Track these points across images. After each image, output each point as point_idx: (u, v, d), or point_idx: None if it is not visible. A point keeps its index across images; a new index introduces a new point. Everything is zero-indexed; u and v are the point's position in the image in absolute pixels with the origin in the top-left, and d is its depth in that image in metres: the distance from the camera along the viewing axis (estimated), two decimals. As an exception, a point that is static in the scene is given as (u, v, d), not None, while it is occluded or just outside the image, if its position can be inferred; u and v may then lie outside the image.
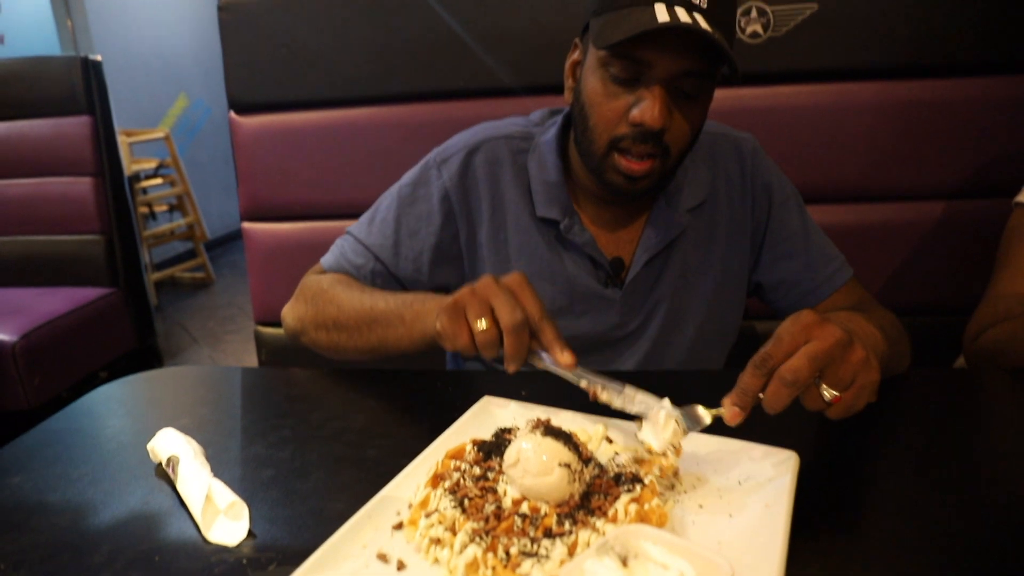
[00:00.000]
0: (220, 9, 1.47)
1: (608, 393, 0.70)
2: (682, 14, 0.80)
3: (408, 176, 1.07)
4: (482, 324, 0.72)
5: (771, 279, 1.08)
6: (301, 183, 1.51)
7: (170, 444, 0.73)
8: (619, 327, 1.03)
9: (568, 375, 0.72)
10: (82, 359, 2.55)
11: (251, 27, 1.47)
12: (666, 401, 0.68)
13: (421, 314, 0.84)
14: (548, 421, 0.64)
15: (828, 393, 0.64)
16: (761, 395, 0.63)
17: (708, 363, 1.08)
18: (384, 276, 1.04)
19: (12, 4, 4.11)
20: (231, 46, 1.49)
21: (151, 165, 4.36)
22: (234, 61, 1.49)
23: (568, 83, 0.98)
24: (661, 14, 0.80)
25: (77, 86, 2.48)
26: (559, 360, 0.71)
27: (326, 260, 1.08)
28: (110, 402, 0.95)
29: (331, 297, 0.98)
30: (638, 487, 0.60)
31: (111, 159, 2.59)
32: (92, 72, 2.50)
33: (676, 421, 0.66)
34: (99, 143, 2.54)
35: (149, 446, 0.75)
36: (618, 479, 0.62)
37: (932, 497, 0.65)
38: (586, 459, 0.62)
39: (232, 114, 1.52)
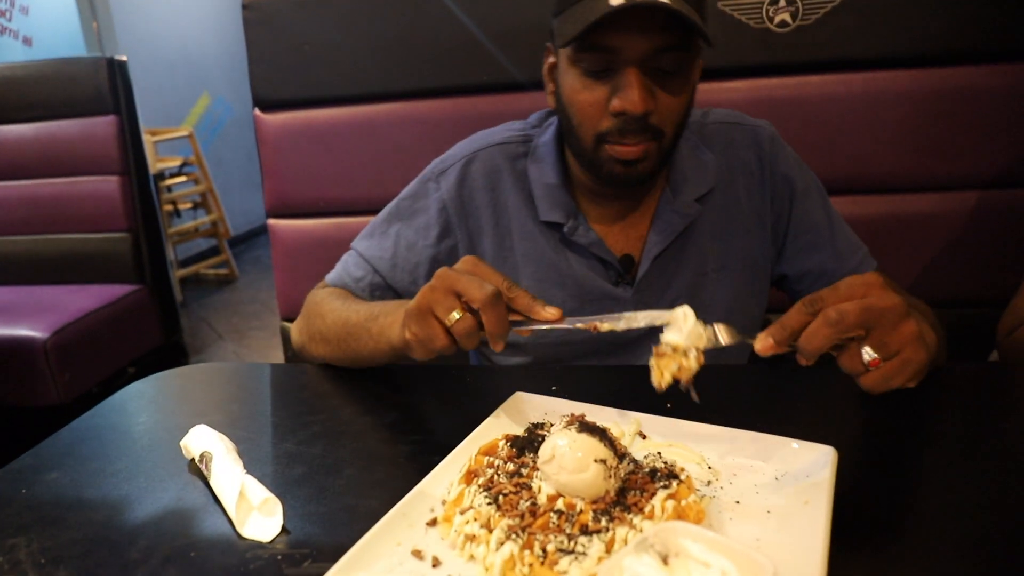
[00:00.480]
0: (244, 7, 1.48)
1: (610, 323, 0.69)
2: None
3: (407, 189, 1.07)
4: (455, 315, 0.70)
5: (796, 270, 1.06)
6: (325, 179, 1.51)
7: (203, 441, 0.74)
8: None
9: (561, 326, 0.71)
10: (111, 355, 2.59)
11: (275, 25, 1.47)
12: (687, 308, 0.67)
13: (386, 327, 0.83)
14: (583, 417, 0.64)
15: (868, 354, 0.61)
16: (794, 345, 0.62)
17: (732, 359, 1.06)
18: (383, 288, 1.05)
19: (39, 7, 4.17)
20: (255, 44, 1.49)
21: (175, 163, 4.41)
22: (258, 59, 1.50)
23: (548, 88, 0.97)
24: None
25: (103, 86, 2.51)
26: (546, 317, 0.70)
27: (330, 276, 1.09)
28: (142, 399, 0.96)
29: (320, 311, 0.99)
30: (674, 483, 0.59)
31: (137, 158, 2.62)
32: (118, 72, 2.53)
33: (703, 325, 0.66)
34: (125, 142, 2.57)
35: (182, 443, 0.76)
36: (653, 475, 0.61)
37: (974, 494, 0.64)
38: (621, 455, 0.61)
39: (256, 111, 1.53)
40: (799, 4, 1.31)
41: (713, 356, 1.01)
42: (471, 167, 1.03)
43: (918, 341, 0.62)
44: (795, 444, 0.66)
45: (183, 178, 4.50)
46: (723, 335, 0.66)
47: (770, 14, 1.33)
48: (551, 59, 0.95)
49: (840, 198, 1.05)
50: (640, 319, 0.68)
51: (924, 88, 1.33)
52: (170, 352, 2.95)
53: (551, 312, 0.70)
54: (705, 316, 1.00)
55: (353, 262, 1.07)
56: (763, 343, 0.63)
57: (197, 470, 0.73)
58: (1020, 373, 0.95)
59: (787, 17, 1.32)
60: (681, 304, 0.97)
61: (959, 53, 1.32)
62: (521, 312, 0.71)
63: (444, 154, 1.07)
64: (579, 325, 0.70)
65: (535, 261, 1.01)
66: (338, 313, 0.95)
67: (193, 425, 0.77)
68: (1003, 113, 1.32)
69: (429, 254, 1.03)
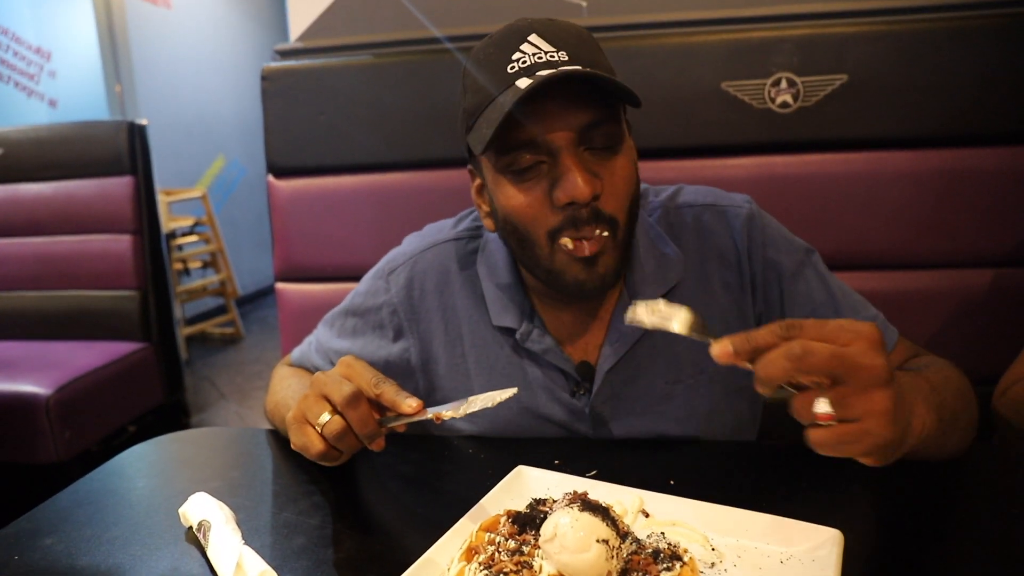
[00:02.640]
0: (263, 78, 1.53)
1: (451, 411, 0.70)
2: (546, 74, 0.75)
3: (363, 284, 1.03)
4: (324, 418, 0.71)
5: None
6: (335, 245, 1.54)
7: (202, 509, 0.73)
8: (595, 437, 0.93)
9: (425, 418, 0.71)
10: (112, 413, 2.57)
11: (292, 95, 1.53)
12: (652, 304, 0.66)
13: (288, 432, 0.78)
14: (585, 494, 0.63)
15: (822, 407, 0.54)
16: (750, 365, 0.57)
17: (739, 435, 0.99)
18: None
19: (66, 72, 4.33)
20: (272, 113, 1.54)
21: (187, 223, 4.48)
22: (274, 127, 1.55)
23: (483, 211, 0.92)
24: (524, 84, 0.75)
25: (122, 149, 2.59)
26: (405, 411, 0.70)
27: (294, 354, 1.09)
28: (142, 462, 0.95)
29: (273, 389, 1.01)
30: (677, 565, 0.58)
31: (150, 218, 2.67)
32: (137, 136, 2.61)
33: (663, 307, 0.64)
34: (140, 202, 2.62)
35: (181, 510, 0.75)
36: (656, 556, 0.60)
37: (987, 583, 0.62)
38: (623, 534, 0.60)
39: (270, 178, 1.57)
40: (800, 86, 1.36)
41: (719, 433, 1.00)
42: (419, 268, 0.98)
43: (888, 417, 0.54)
44: (801, 526, 0.65)
45: (194, 237, 4.57)
46: (680, 325, 0.63)
47: (772, 95, 1.37)
48: (477, 181, 0.91)
49: (839, 274, 1.04)
50: (480, 402, 0.69)
51: (923, 169, 1.36)
52: (172, 411, 2.93)
53: (410, 405, 0.70)
54: (683, 425, 0.94)
55: (316, 348, 1.05)
56: (722, 348, 0.57)
57: (195, 539, 0.72)
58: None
59: (788, 98, 1.37)
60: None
61: (958, 135, 1.35)
62: (387, 408, 0.72)
63: (397, 248, 1.03)
64: (429, 415, 0.71)
65: (488, 369, 0.94)
66: (278, 399, 0.96)
67: (192, 491, 0.77)
68: (1001, 194, 1.35)
69: (382, 356, 0.99)
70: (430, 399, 1.00)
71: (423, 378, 0.99)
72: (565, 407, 0.93)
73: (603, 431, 0.93)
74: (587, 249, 0.80)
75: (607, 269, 0.83)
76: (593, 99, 0.78)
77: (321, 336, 1.05)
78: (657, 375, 0.92)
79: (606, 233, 0.80)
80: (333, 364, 0.99)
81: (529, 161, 0.79)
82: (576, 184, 0.76)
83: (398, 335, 0.99)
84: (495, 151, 0.80)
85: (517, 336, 0.92)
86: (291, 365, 1.10)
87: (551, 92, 0.75)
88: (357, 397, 0.70)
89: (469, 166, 0.91)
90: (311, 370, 1.05)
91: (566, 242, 0.81)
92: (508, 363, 0.94)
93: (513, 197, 0.82)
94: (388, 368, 0.99)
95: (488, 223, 0.91)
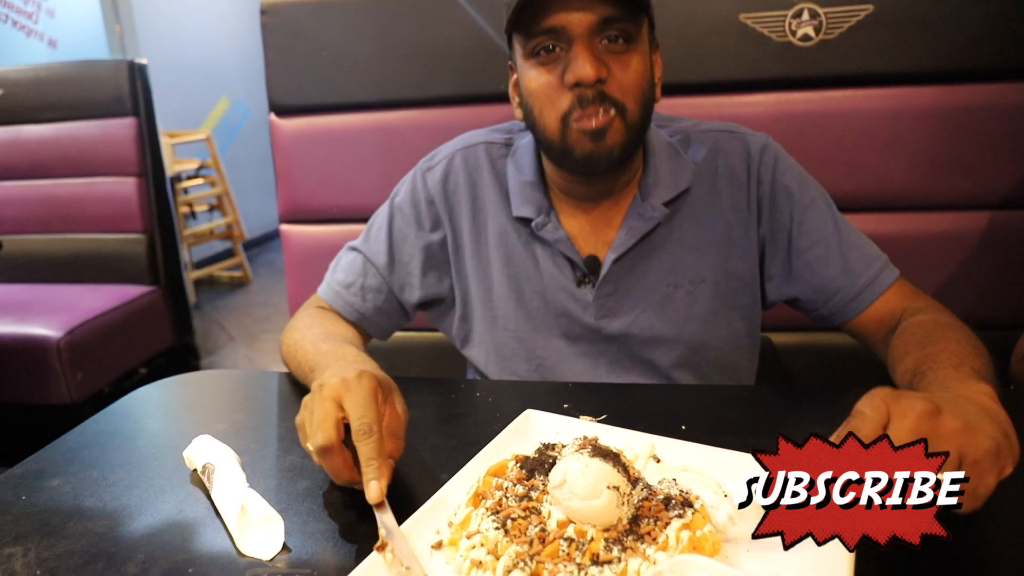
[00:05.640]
0: (262, 13, 1.47)
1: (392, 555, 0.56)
2: None
3: (399, 185, 1.11)
4: (309, 447, 0.67)
5: (807, 289, 0.99)
6: (339, 186, 1.50)
7: (206, 452, 0.72)
8: (596, 330, 1.00)
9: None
10: (123, 355, 2.60)
11: (292, 30, 1.47)
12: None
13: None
14: (596, 440, 0.62)
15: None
16: None
17: (730, 378, 1.03)
18: (374, 291, 1.05)
19: (64, 11, 4.22)
20: (272, 49, 1.49)
21: (192, 166, 4.44)
22: (275, 64, 1.49)
23: (514, 102, 1.00)
24: None
25: (123, 89, 2.53)
26: (366, 493, 0.62)
27: (321, 288, 1.08)
28: (148, 404, 0.95)
29: (294, 327, 0.99)
30: (689, 512, 0.57)
31: (154, 160, 2.63)
32: (138, 75, 2.55)
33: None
34: (143, 144, 2.58)
35: (185, 453, 0.74)
36: (668, 503, 0.59)
37: (1000, 527, 0.61)
38: (634, 480, 0.59)
39: (272, 116, 1.52)
40: (822, 18, 1.29)
41: (698, 374, 1.00)
42: (455, 164, 1.06)
43: (969, 432, 0.56)
44: (815, 472, 0.64)
45: (200, 180, 4.53)
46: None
47: (793, 27, 1.30)
48: (513, 76, 0.98)
49: (858, 215, 1.01)
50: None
51: (948, 105, 1.30)
52: (182, 353, 2.96)
53: (371, 489, 0.62)
54: (679, 328, 1.00)
55: (346, 265, 1.08)
56: None
57: (199, 481, 0.71)
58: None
59: (810, 31, 1.30)
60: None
61: (984, 70, 1.29)
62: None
63: (431, 152, 1.10)
64: (381, 532, 0.58)
65: (504, 256, 1.02)
66: (302, 363, 0.92)
67: (197, 434, 0.76)
68: (1030, 131, 1.29)
69: (421, 245, 1.06)
70: (459, 279, 1.06)
71: (454, 262, 1.07)
72: (571, 296, 1.00)
73: (604, 323, 0.99)
74: (594, 122, 0.86)
75: (615, 143, 0.88)
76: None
77: (359, 244, 1.09)
78: (660, 276, 0.99)
79: (612, 112, 0.87)
80: (373, 264, 1.06)
81: (549, 45, 0.87)
82: (581, 66, 0.84)
83: (435, 225, 1.06)
84: (522, 36, 0.89)
85: (533, 225, 0.98)
86: (319, 304, 1.07)
87: None
88: (328, 450, 0.64)
89: (509, 61, 0.98)
90: (343, 292, 1.05)
91: (575, 117, 0.87)
92: (524, 251, 1.02)
93: (534, 79, 0.90)
94: (427, 255, 1.06)
95: (518, 113, 0.98)
